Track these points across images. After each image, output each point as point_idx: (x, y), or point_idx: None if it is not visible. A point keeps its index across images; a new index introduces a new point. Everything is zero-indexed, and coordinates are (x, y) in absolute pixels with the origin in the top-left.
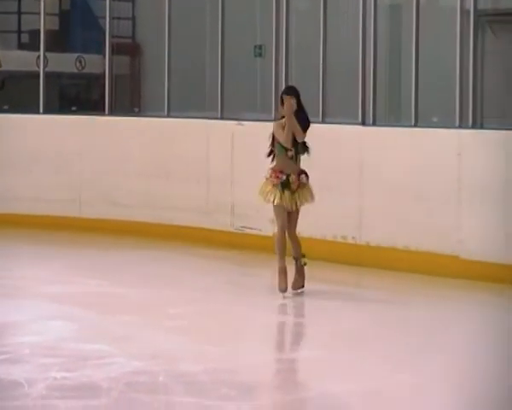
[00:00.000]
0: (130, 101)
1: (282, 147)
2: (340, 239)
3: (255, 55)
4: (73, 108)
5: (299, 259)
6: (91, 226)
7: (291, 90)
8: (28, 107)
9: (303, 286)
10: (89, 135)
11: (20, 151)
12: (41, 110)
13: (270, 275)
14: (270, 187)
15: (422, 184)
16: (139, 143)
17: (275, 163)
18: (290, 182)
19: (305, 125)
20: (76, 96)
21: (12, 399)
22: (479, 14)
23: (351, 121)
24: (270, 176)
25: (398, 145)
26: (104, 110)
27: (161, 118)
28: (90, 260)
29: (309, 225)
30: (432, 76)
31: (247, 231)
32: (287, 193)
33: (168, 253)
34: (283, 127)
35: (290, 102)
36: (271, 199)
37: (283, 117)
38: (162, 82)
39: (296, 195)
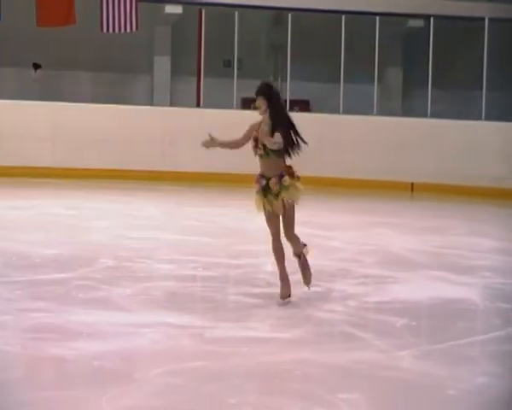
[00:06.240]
0: None
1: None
2: None
3: None
4: None
5: (301, 254)
6: None
7: (259, 90)
8: None
9: (310, 282)
10: None
11: None
12: None
13: None
14: (256, 195)
15: None
16: None
17: None
18: (270, 186)
19: (281, 127)
20: None
21: None
22: None
23: None
24: (255, 182)
25: None
26: None
27: None
28: None
29: None
30: None
31: None
32: (270, 198)
33: None
34: (256, 128)
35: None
36: (261, 208)
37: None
38: None
39: (280, 197)
